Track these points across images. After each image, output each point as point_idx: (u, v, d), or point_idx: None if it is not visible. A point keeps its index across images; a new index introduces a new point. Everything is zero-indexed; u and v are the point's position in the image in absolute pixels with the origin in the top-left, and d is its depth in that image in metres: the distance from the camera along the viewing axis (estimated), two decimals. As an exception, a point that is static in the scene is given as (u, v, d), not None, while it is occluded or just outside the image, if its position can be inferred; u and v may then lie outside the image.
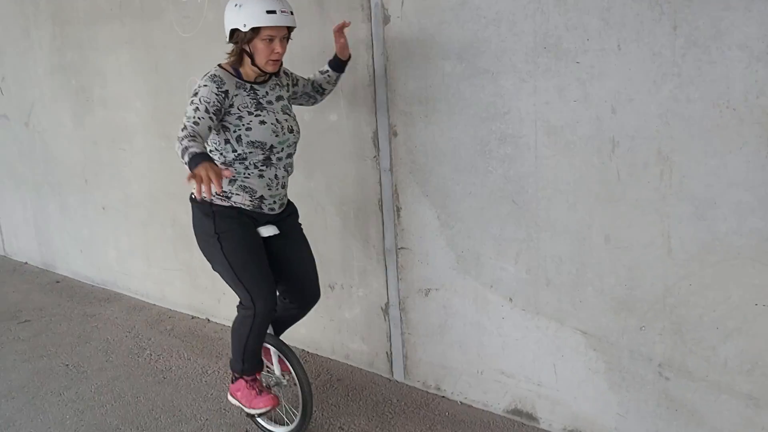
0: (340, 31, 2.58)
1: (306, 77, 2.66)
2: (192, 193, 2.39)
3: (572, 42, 2.27)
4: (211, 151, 2.37)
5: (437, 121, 2.68)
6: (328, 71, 2.66)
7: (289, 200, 2.61)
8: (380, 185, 2.92)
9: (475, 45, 2.49)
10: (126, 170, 4.03)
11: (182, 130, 2.12)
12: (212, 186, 1.90)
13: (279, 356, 2.67)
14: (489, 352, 2.78)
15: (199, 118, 2.17)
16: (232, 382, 2.63)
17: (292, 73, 2.59)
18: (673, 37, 2.07)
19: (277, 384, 2.69)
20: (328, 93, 2.73)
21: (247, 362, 2.54)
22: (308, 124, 3.03)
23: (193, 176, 1.91)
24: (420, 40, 2.62)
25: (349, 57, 2.67)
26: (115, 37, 3.78)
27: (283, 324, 2.74)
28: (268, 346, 2.67)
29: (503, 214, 2.59)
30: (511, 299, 2.65)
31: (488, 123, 2.54)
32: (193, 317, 3.96)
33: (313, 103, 2.73)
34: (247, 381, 2.58)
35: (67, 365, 3.48)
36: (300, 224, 2.65)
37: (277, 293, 2.53)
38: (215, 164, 1.95)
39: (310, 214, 3.14)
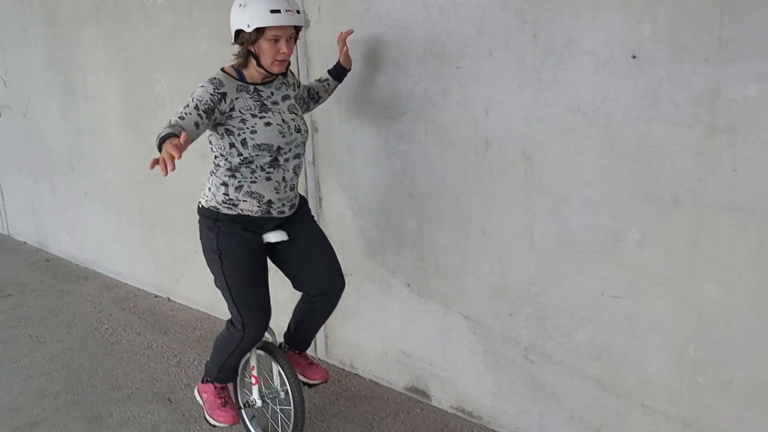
0: (343, 39, 2.56)
1: (303, 83, 2.60)
2: (199, 203, 2.36)
3: (454, 48, 2.41)
4: (216, 156, 2.29)
5: (350, 119, 2.84)
6: (327, 80, 2.62)
7: (299, 195, 2.48)
8: (305, 177, 3.09)
9: (377, 49, 2.65)
10: (103, 159, 4.28)
11: (168, 122, 2.05)
12: (173, 160, 1.78)
13: (279, 370, 2.54)
14: (392, 334, 2.93)
15: (186, 113, 2.08)
16: (203, 382, 2.58)
17: (295, 76, 2.52)
18: (534, 44, 2.20)
19: (274, 397, 2.58)
20: (322, 102, 2.66)
21: (223, 373, 2.50)
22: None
23: (155, 162, 1.80)
24: (335, 44, 2.79)
25: (350, 67, 2.63)
26: (93, 37, 4.03)
27: (314, 325, 2.62)
28: (271, 360, 2.56)
29: (402, 206, 2.73)
30: (408, 285, 2.79)
31: (389, 122, 2.69)
32: (156, 296, 4.18)
33: (305, 111, 2.60)
34: (216, 388, 2.54)
35: (31, 336, 3.72)
36: (311, 214, 2.55)
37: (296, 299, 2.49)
38: (175, 136, 1.90)
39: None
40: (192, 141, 2.03)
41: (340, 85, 2.67)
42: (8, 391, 3.14)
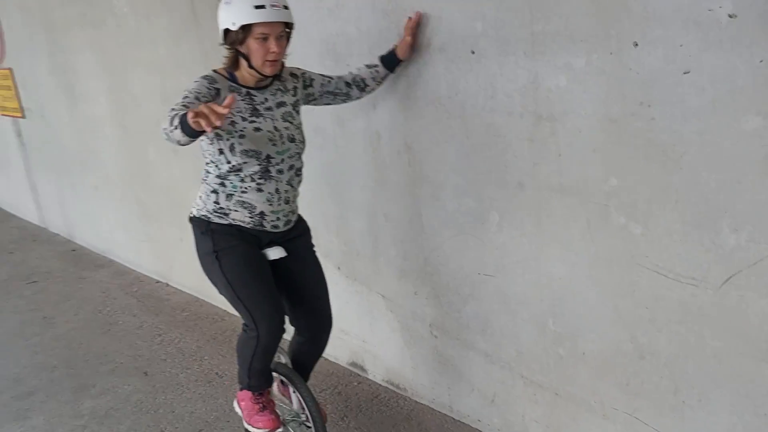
0: (412, 28, 2.35)
1: (338, 75, 2.47)
2: (191, 213, 2.34)
3: (343, 47, 2.69)
4: (207, 163, 2.24)
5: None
6: (377, 66, 2.45)
7: (300, 218, 2.45)
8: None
9: (292, 48, 2.96)
10: (103, 155, 4.83)
11: (169, 114, 1.95)
12: (217, 113, 1.75)
13: (297, 395, 2.51)
14: (333, 313, 3.28)
15: (189, 102, 2.00)
16: (240, 390, 2.51)
17: (304, 74, 2.39)
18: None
19: (294, 419, 2.57)
20: (370, 91, 2.50)
21: (254, 378, 2.42)
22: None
23: (196, 114, 1.75)
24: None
25: (406, 58, 2.43)
26: (81, 42, 4.54)
27: (302, 365, 2.58)
28: (286, 382, 2.55)
29: (325, 195, 3.06)
30: (339, 268, 3.14)
31: (308, 116, 3.01)
32: (157, 281, 4.73)
33: (344, 101, 2.50)
34: (253, 394, 2.47)
35: (45, 317, 4.36)
36: (312, 245, 2.50)
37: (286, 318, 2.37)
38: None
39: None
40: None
41: (391, 75, 2.49)
42: (15, 364, 3.76)
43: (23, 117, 5.86)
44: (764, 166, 1.68)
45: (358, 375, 3.23)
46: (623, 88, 1.87)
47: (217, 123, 1.75)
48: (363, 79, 2.46)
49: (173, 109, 1.96)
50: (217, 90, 2.14)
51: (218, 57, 3.29)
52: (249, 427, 2.44)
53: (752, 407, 1.87)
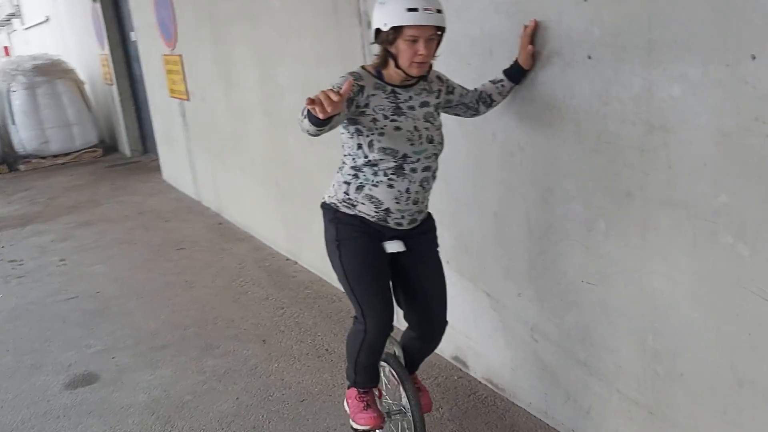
0: (529, 36, 2.38)
1: (469, 88, 2.52)
2: (323, 199, 2.43)
3: (466, 47, 2.75)
4: (345, 155, 2.32)
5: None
6: (502, 81, 2.49)
7: (428, 216, 2.46)
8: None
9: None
10: (251, 140, 5.20)
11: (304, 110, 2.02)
12: (330, 100, 1.83)
13: (401, 388, 2.56)
14: (441, 306, 3.37)
15: None
16: (348, 388, 2.61)
17: (448, 80, 2.44)
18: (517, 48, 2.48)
19: (400, 412, 2.61)
20: (495, 105, 2.55)
21: (360, 375, 2.49)
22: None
23: (311, 102, 1.83)
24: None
25: (530, 68, 2.44)
26: (238, 35, 4.91)
27: (412, 358, 2.62)
28: (393, 372, 2.59)
29: (441, 189, 3.12)
30: (448, 262, 3.19)
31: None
32: (287, 259, 5.04)
33: (472, 115, 2.56)
34: (359, 392, 2.54)
35: (186, 281, 4.79)
36: (436, 245, 2.50)
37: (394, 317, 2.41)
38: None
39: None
40: (333, 126, 2.07)
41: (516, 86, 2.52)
42: (155, 320, 4.19)
43: (188, 99, 6.42)
44: None
45: (460, 370, 3.29)
46: (738, 101, 1.79)
47: (329, 109, 1.83)
48: (489, 95, 2.51)
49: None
50: (361, 87, 2.19)
51: (354, 53, 3.48)
52: (354, 425, 2.50)
53: None
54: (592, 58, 2.19)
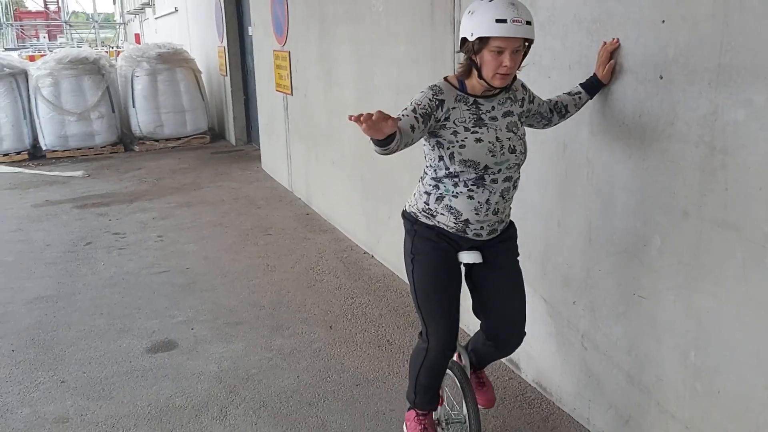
0: (609, 51, 2.44)
1: (546, 98, 2.55)
2: (404, 207, 2.45)
3: (548, 60, 2.87)
4: (427, 166, 2.35)
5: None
6: (579, 93, 2.52)
7: (510, 224, 2.46)
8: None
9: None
10: (342, 135, 5.47)
11: None
12: (375, 123, 1.83)
13: (463, 397, 2.55)
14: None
15: (404, 115, 2.12)
16: (408, 410, 2.64)
17: (529, 89, 2.45)
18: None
19: (459, 421, 2.62)
20: (569, 117, 2.57)
21: (419, 396, 2.51)
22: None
23: (358, 120, 1.83)
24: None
25: (608, 82, 2.50)
26: (342, 34, 5.19)
27: (481, 359, 2.67)
28: (459, 386, 2.55)
29: (512, 195, 3.26)
30: (512, 266, 3.31)
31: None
32: (364, 252, 5.25)
33: (545, 126, 2.56)
34: (417, 414, 2.55)
35: (268, 265, 5.09)
36: (516, 253, 2.50)
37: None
38: (392, 118, 1.89)
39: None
40: (407, 144, 2.11)
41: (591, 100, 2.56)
42: (235, 299, 4.49)
43: (291, 94, 6.78)
44: None
45: (512, 371, 3.38)
46: (795, 128, 1.84)
47: (362, 125, 1.82)
48: (565, 106, 2.52)
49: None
50: (441, 101, 2.19)
51: (445, 58, 3.66)
52: None
53: None
54: (663, 79, 2.27)
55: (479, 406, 2.55)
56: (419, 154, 2.55)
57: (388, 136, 1.94)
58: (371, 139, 1.97)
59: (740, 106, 2.01)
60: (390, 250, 4.77)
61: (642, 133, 2.39)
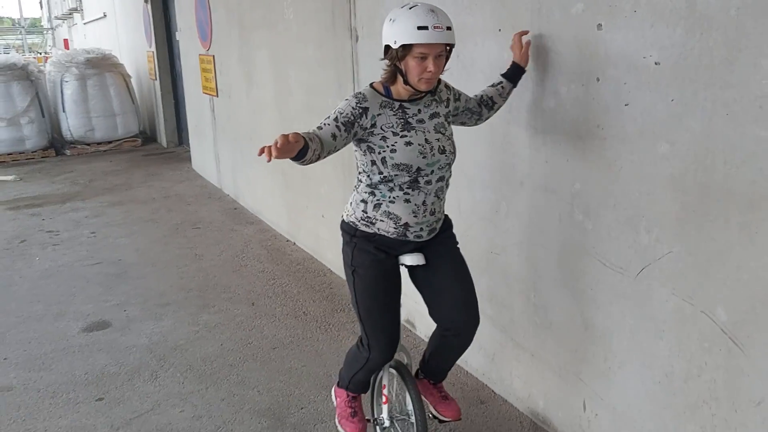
0: (520, 38, 2.59)
1: (473, 94, 2.61)
2: (342, 217, 2.47)
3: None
4: (360, 172, 2.36)
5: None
6: (501, 83, 2.61)
7: (445, 216, 2.51)
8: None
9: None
10: (264, 133, 5.94)
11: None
12: (275, 149, 1.86)
13: (407, 393, 2.60)
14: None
15: (324, 124, 2.17)
16: (338, 385, 2.74)
17: (453, 88, 2.50)
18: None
19: (403, 420, 2.66)
20: (497, 109, 2.64)
21: (353, 384, 2.66)
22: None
23: (262, 150, 1.88)
24: (370, 53, 3.94)
25: (525, 69, 2.62)
26: (260, 40, 5.67)
27: (444, 361, 2.67)
28: (402, 383, 2.61)
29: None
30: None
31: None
32: (287, 240, 5.75)
33: (477, 122, 2.62)
34: (348, 396, 2.69)
35: (196, 254, 5.52)
36: (455, 242, 2.54)
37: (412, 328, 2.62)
38: (293, 134, 1.94)
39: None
40: (330, 152, 2.17)
41: (515, 88, 2.66)
42: (165, 283, 4.92)
43: (217, 96, 7.20)
44: (669, 182, 2.17)
45: (408, 329, 3.93)
46: (587, 113, 2.43)
47: (275, 154, 1.87)
48: (491, 98, 2.60)
49: (312, 128, 2.17)
50: (364, 109, 2.23)
51: (346, 60, 4.18)
52: (339, 428, 2.71)
53: (650, 376, 2.34)
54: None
55: (447, 419, 2.69)
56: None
57: (300, 150, 2.01)
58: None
59: (552, 96, 2.60)
60: (309, 237, 5.27)
61: (491, 120, 2.94)
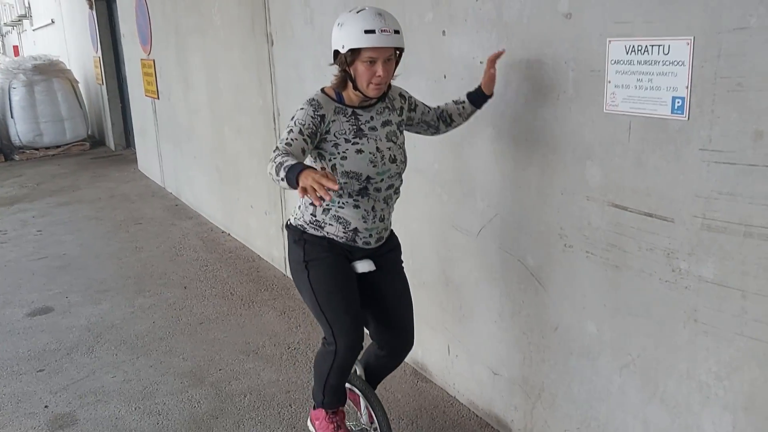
0: (493, 61, 2.46)
1: (432, 106, 2.60)
2: (288, 220, 2.46)
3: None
4: None
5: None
6: (463, 102, 2.56)
7: (392, 234, 2.53)
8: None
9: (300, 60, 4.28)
10: (200, 132, 6.43)
11: (274, 152, 2.07)
12: (326, 187, 1.79)
13: (366, 405, 2.64)
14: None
15: (292, 140, 2.13)
16: (314, 408, 2.65)
17: (410, 97, 2.50)
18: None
19: (364, 429, 2.69)
20: (455, 126, 2.62)
21: (328, 396, 2.53)
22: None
23: (304, 190, 1.82)
24: (283, 56, 4.47)
25: (491, 95, 2.53)
26: (194, 45, 6.16)
27: (375, 376, 2.69)
28: (357, 392, 2.64)
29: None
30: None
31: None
32: (222, 231, 6.25)
33: (433, 134, 2.62)
34: (327, 413, 2.59)
35: (136, 247, 5.98)
36: (401, 262, 2.59)
37: (365, 333, 2.44)
38: (314, 169, 1.89)
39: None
40: None
41: (479, 111, 2.60)
42: (105, 273, 5.38)
43: (158, 98, 7.66)
44: (492, 158, 2.74)
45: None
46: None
47: (326, 197, 1.80)
48: (450, 115, 2.58)
49: (277, 149, 2.09)
50: (322, 116, 2.22)
51: (264, 63, 4.70)
52: None
53: (489, 317, 2.91)
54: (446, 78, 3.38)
55: None
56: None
57: None
58: (285, 181, 1.93)
59: (415, 91, 3.14)
60: (241, 227, 5.77)
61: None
